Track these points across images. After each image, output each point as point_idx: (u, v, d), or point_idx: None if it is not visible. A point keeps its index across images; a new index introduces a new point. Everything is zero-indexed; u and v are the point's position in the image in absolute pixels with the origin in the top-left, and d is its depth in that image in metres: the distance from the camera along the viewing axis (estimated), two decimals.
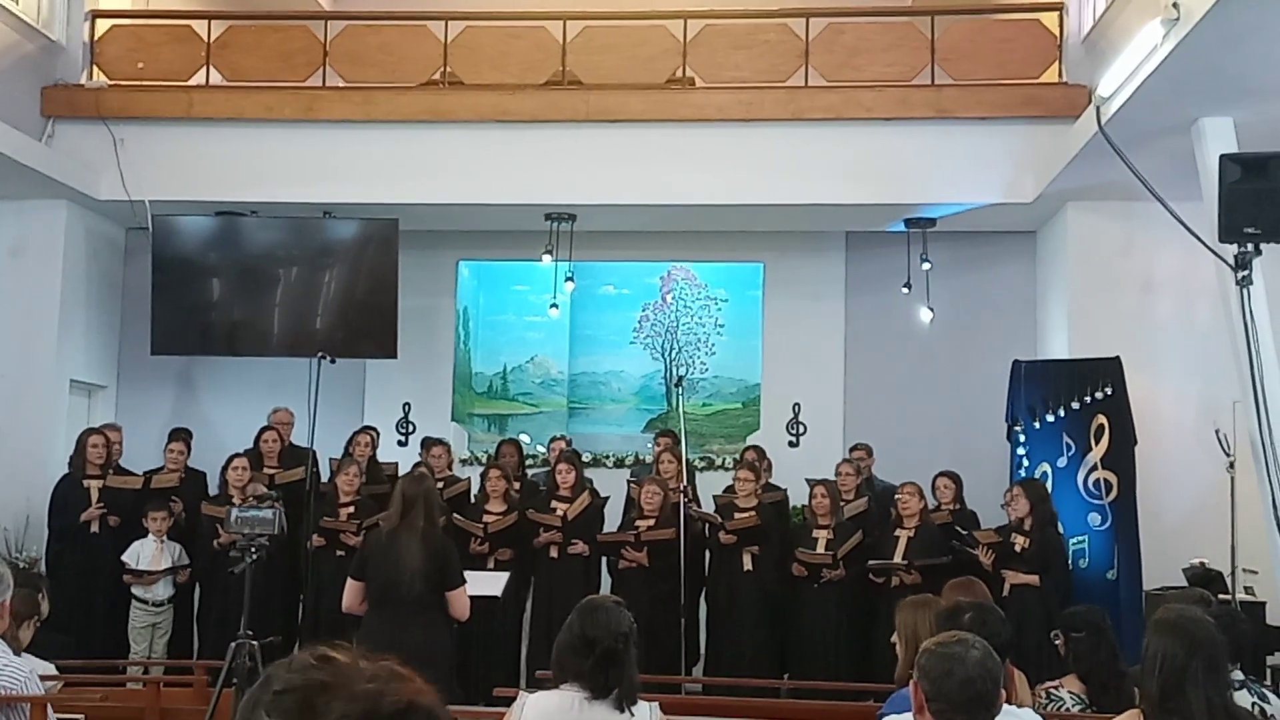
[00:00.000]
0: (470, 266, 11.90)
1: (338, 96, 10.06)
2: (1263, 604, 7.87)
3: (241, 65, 10.23)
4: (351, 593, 5.95)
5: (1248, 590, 8.05)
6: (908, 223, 10.28)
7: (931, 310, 10.45)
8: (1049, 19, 9.82)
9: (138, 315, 10.46)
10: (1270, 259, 6.61)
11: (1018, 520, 8.17)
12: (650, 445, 10.38)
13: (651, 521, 8.50)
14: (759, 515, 8.58)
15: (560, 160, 9.78)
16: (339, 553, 8.32)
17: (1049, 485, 8.65)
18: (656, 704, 3.83)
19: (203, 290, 10.28)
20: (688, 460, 9.23)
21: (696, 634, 8.83)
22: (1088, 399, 8.79)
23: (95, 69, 10.28)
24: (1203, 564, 8.05)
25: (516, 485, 9.21)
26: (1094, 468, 8.72)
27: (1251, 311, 6.51)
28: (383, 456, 9.72)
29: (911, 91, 9.70)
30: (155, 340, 10.16)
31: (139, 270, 10.53)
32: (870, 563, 8.30)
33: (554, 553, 8.57)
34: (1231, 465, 8.10)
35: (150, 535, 8.60)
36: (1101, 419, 8.71)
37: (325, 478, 9.10)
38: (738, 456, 9.94)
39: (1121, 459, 8.64)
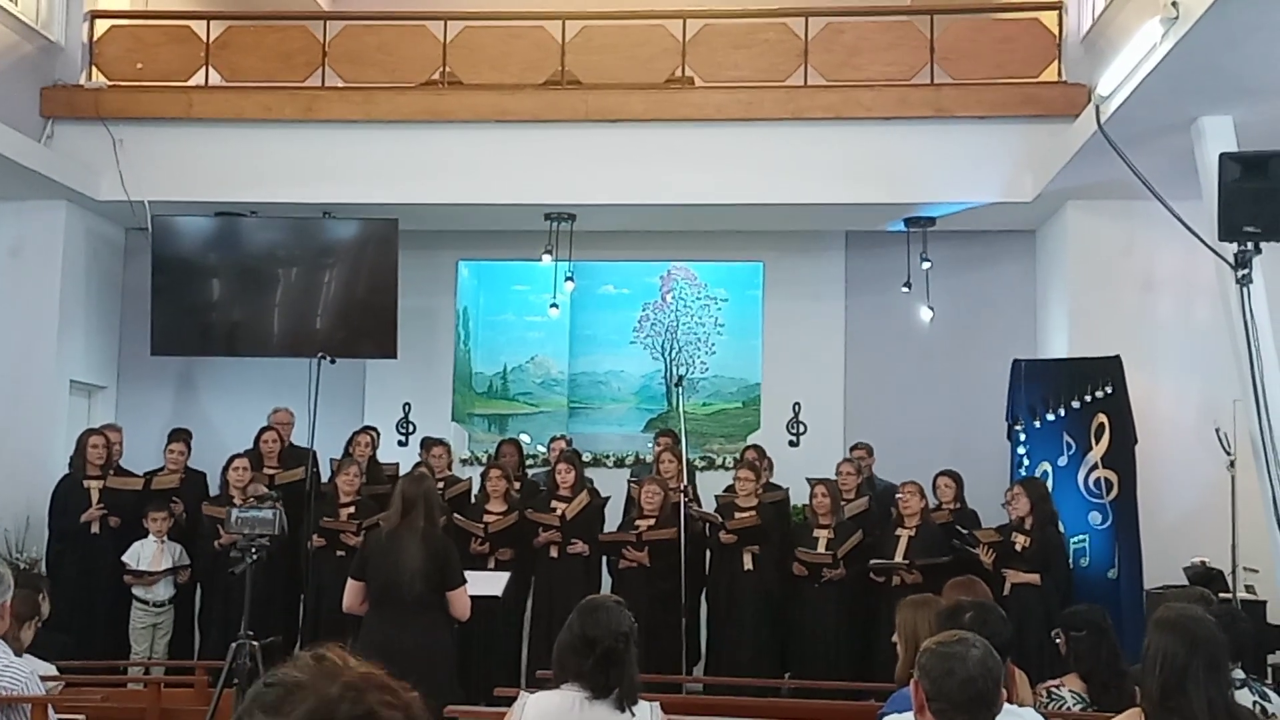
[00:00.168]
0: (470, 266, 11.90)
1: (337, 97, 10.06)
2: (1263, 603, 7.88)
3: (241, 65, 10.23)
4: (352, 593, 5.95)
5: (1248, 589, 8.06)
6: (907, 222, 10.28)
7: (931, 309, 10.45)
8: (1048, 18, 9.81)
9: (137, 316, 10.46)
10: (1270, 258, 6.61)
11: (1018, 519, 8.17)
12: (650, 445, 10.38)
13: (652, 521, 8.51)
14: (759, 515, 8.58)
15: (560, 160, 9.78)
16: (339, 553, 8.32)
17: (1049, 484, 8.66)
18: (657, 704, 3.83)
19: (202, 291, 10.28)
20: (688, 460, 9.23)
21: (697, 634, 8.84)
22: (1088, 398, 8.79)
23: (94, 69, 10.28)
24: (1203, 563, 8.06)
25: (517, 485, 9.21)
26: (1094, 467, 8.72)
27: (1251, 310, 6.52)
28: (383, 457, 9.73)
29: (911, 91, 9.70)
30: (155, 341, 10.17)
31: (139, 271, 10.53)
32: (871, 562, 8.30)
33: (554, 552, 8.57)
34: (1232, 464, 8.10)
35: (151, 536, 8.60)
36: (1102, 418, 8.71)
37: (325, 478, 9.10)
38: (738, 456, 9.93)
39: (1122, 458, 8.64)
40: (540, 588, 8.63)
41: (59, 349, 10.05)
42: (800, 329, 10.98)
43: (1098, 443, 8.72)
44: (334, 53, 10.13)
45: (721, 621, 8.71)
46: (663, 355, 12.39)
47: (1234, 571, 7.99)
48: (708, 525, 8.77)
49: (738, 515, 8.60)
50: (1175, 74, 6.71)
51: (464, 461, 11.02)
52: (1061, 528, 8.37)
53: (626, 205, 9.91)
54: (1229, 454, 8.11)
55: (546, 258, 10.31)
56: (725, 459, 11.04)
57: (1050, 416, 8.98)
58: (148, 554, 8.59)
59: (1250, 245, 6.26)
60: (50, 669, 5.57)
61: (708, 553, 8.81)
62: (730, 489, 9.00)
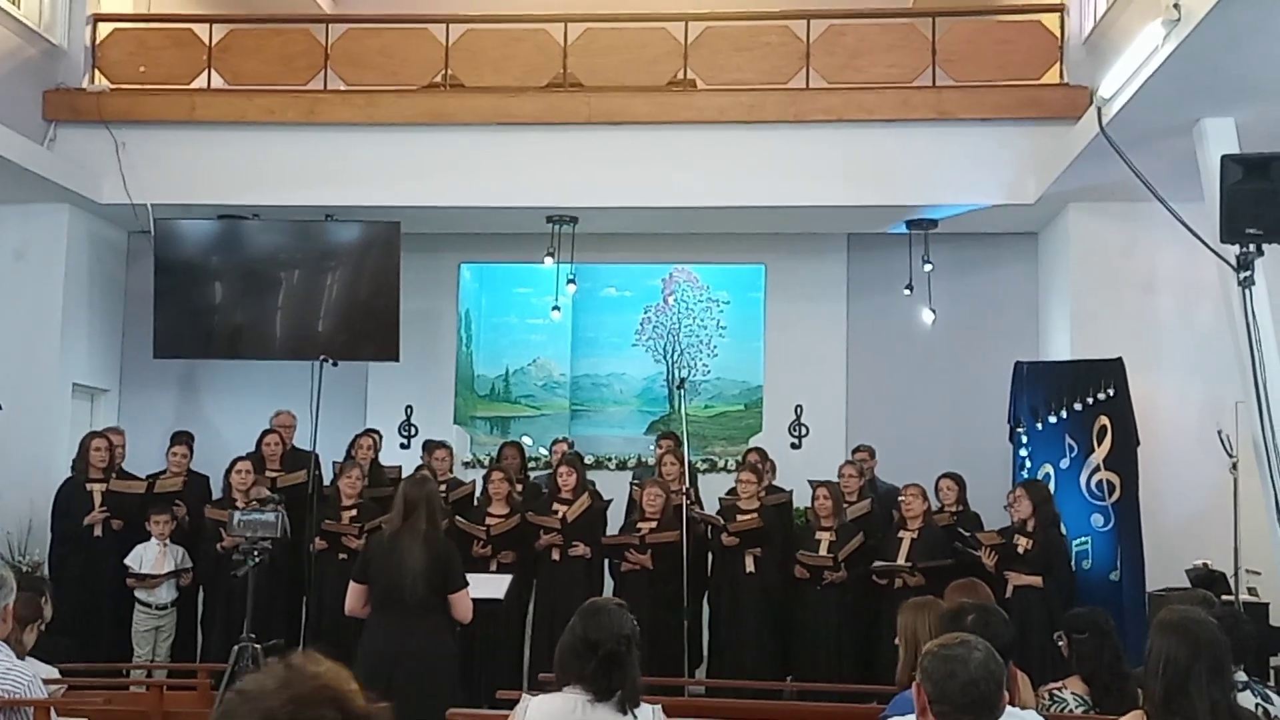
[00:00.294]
0: (472, 269, 11.91)
1: (339, 100, 10.07)
2: (1266, 605, 7.88)
3: (243, 69, 10.24)
4: (354, 596, 5.95)
5: (1251, 591, 8.05)
6: (909, 224, 10.28)
7: (933, 312, 10.45)
8: (1050, 20, 9.82)
9: (140, 319, 10.47)
10: (1272, 259, 6.60)
11: (1020, 522, 8.16)
12: (652, 447, 10.38)
13: (654, 524, 8.50)
14: (761, 517, 8.58)
15: (562, 162, 9.78)
16: (341, 556, 8.33)
17: (1052, 486, 8.65)
18: (659, 706, 3.82)
19: (205, 294, 10.29)
20: (690, 462, 9.24)
21: (699, 636, 8.84)
22: (1090, 400, 8.79)
23: (97, 73, 10.30)
24: (1206, 565, 8.05)
25: (519, 488, 9.22)
26: (1096, 469, 8.72)
27: (1253, 312, 6.51)
28: (385, 460, 9.73)
29: (913, 93, 9.70)
30: (158, 344, 10.18)
31: (141, 274, 10.55)
32: (874, 564, 8.29)
33: (555, 555, 8.57)
34: (1234, 466, 8.09)
35: (153, 539, 8.60)
36: (1104, 420, 8.71)
37: (328, 481, 9.10)
38: (740, 458, 9.93)
39: (1124, 460, 8.64)
40: (542, 590, 8.62)
41: (62, 352, 10.06)
42: (802, 331, 10.98)
43: (1100, 445, 8.72)
44: (336, 56, 10.15)
45: (723, 624, 8.71)
46: (665, 358, 12.40)
47: (1236, 574, 7.98)
48: (710, 528, 8.77)
49: (739, 518, 8.59)
50: (1177, 76, 6.71)
51: (466, 464, 11.03)
52: (1064, 530, 8.36)
53: (628, 208, 9.91)
54: (1231, 456, 8.11)
55: (548, 260, 10.32)
56: (727, 461, 11.04)
57: (1052, 419, 8.98)
58: (150, 557, 8.60)
59: (1252, 247, 6.25)
60: (53, 672, 5.57)
61: (709, 555, 8.81)
62: (732, 491, 9.00)
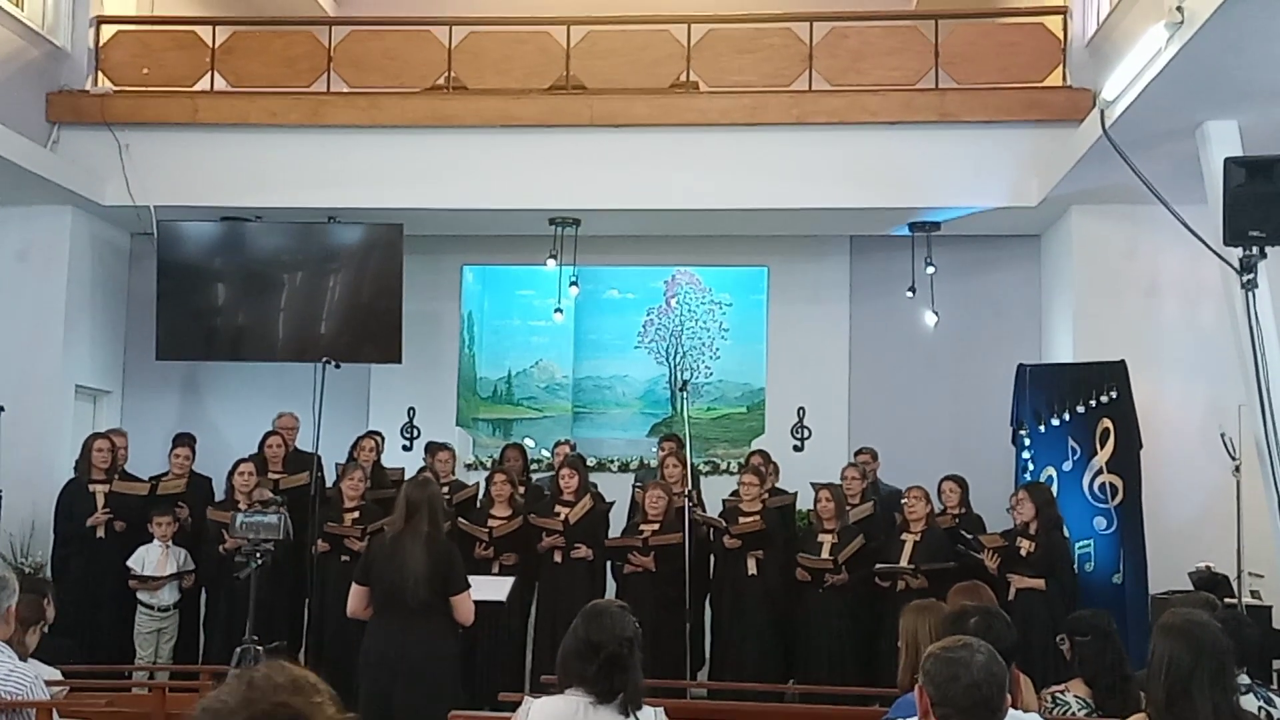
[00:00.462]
0: (475, 271, 11.91)
1: (342, 102, 10.08)
2: (1269, 607, 7.87)
3: (246, 71, 10.25)
4: (356, 598, 5.95)
5: (1254, 594, 8.05)
6: (912, 226, 10.28)
7: (936, 314, 10.45)
8: (1053, 23, 9.81)
9: (143, 321, 10.48)
10: (1275, 262, 6.59)
11: (1023, 524, 8.15)
12: (655, 449, 10.37)
13: (656, 526, 8.50)
14: (763, 519, 8.58)
15: (564, 165, 9.79)
16: (344, 558, 8.33)
17: (1054, 489, 8.64)
18: (661, 708, 3.82)
19: (207, 295, 10.30)
20: (692, 464, 9.23)
21: (701, 638, 8.83)
22: (1093, 403, 8.79)
23: (100, 75, 10.31)
24: (1208, 568, 8.04)
25: (521, 490, 9.22)
26: (1099, 471, 8.71)
27: (1256, 314, 6.50)
28: (387, 462, 9.73)
29: (915, 95, 9.70)
30: (160, 345, 10.19)
31: (144, 276, 10.55)
32: (877, 566, 8.29)
33: (558, 557, 8.57)
34: (1237, 469, 8.09)
35: (155, 540, 8.61)
36: (1107, 423, 8.71)
37: (330, 483, 9.11)
38: (743, 461, 9.93)
39: (1127, 463, 8.63)
40: (544, 592, 8.62)
41: (64, 354, 10.07)
42: (804, 333, 10.98)
43: (1103, 447, 8.71)
44: (339, 58, 10.16)
45: (726, 626, 8.70)
46: (667, 360, 12.40)
47: (1239, 576, 7.98)
48: (712, 530, 8.77)
49: (741, 520, 8.59)
50: (1180, 78, 6.71)
51: (468, 466, 11.04)
52: (1066, 533, 8.35)
53: (631, 210, 9.91)
54: (1234, 459, 8.10)
55: (551, 262, 10.32)
56: (729, 464, 11.04)
57: (1055, 421, 8.97)
58: (153, 559, 8.60)
59: (1255, 250, 6.24)
60: (55, 674, 5.57)
61: (712, 557, 8.81)
62: (735, 493, 8.99)
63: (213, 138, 10.01)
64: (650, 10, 10.31)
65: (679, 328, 12.37)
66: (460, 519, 8.52)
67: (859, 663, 8.21)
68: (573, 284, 10.58)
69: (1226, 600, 7.35)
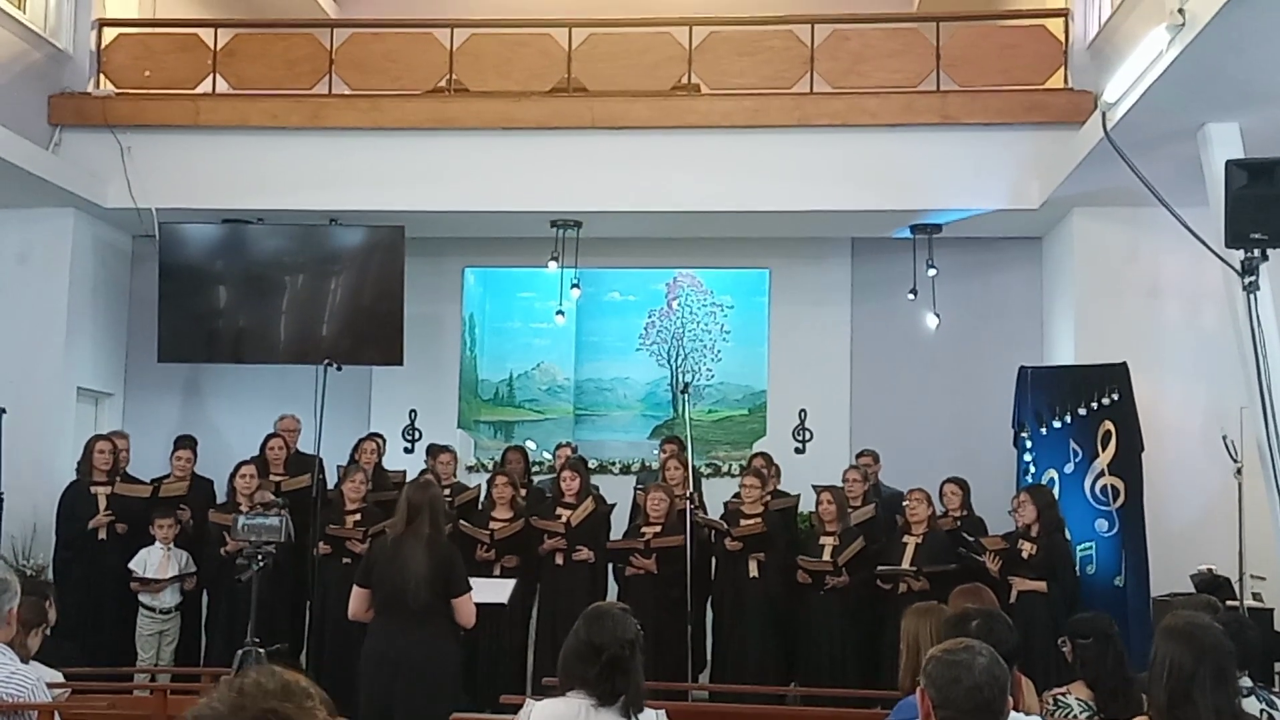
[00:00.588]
0: (476, 273, 11.92)
1: (344, 104, 10.09)
2: (1270, 610, 7.86)
3: (247, 73, 10.26)
4: (357, 600, 5.95)
5: (1255, 596, 8.04)
6: (913, 229, 10.28)
7: (937, 316, 10.45)
8: (1054, 25, 9.82)
9: (144, 323, 10.49)
10: (1276, 264, 6.60)
11: (1025, 527, 8.15)
12: (656, 452, 10.38)
13: (658, 528, 8.50)
14: (764, 522, 8.57)
15: (566, 167, 9.79)
16: (345, 560, 8.32)
17: (1056, 491, 8.64)
18: (663, 711, 3.82)
19: (209, 298, 10.31)
20: (694, 467, 9.23)
21: (703, 640, 8.83)
22: (1094, 405, 8.78)
23: (102, 77, 10.32)
24: (1210, 570, 8.03)
25: (523, 492, 9.22)
26: (1101, 474, 8.71)
27: (1258, 316, 6.50)
28: (389, 464, 9.74)
29: (917, 97, 9.70)
30: (162, 348, 10.19)
31: (146, 278, 10.56)
32: (878, 569, 8.28)
33: (559, 559, 8.57)
34: (1239, 471, 8.08)
35: (157, 543, 8.61)
36: (1108, 425, 8.70)
37: (332, 485, 9.11)
38: (744, 463, 9.92)
39: (1128, 465, 8.63)
40: (546, 595, 8.62)
41: (66, 356, 10.08)
42: (806, 336, 10.98)
43: (1104, 450, 8.71)
44: (340, 60, 10.16)
45: (727, 628, 8.69)
46: (668, 362, 12.40)
47: (1241, 579, 7.97)
48: (713, 532, 8.77)
49: (743, 522, 8.58)
50: (1182, 80, 6.71)
51: (470, 468, 11.05)
52: (1068, 535, 8.34)
53: (632, 212, 9.91)
54: (1236, 461, 8.09)
55: (552, 265, 10.33)
56: (731, 466, 11.04)
57: (1056, 423, 8.97)
58: (154, 561, 8.60)
59: (1257, 252, 6.24)
60: (56, 676, 5.57)
61: (713, 560, 8.80)
62: (737, 496, 8.99)
63: (214, 140, 10.02)
64: (651, 13, 10.32)
65: (680, 330, 12.37)
66: (462, 521, 8.53)
67: (860, 665, 8.20)
68: (574, 286, 10.58)
69: (1228, 603, 7.33)
